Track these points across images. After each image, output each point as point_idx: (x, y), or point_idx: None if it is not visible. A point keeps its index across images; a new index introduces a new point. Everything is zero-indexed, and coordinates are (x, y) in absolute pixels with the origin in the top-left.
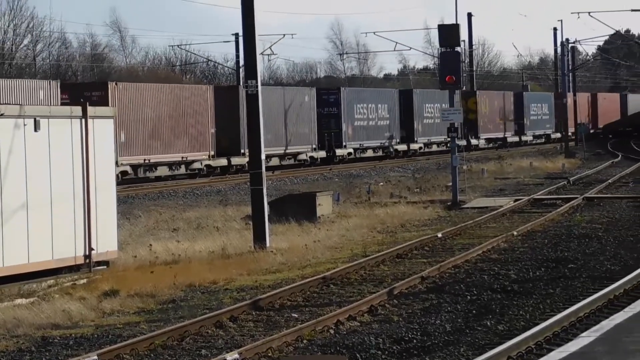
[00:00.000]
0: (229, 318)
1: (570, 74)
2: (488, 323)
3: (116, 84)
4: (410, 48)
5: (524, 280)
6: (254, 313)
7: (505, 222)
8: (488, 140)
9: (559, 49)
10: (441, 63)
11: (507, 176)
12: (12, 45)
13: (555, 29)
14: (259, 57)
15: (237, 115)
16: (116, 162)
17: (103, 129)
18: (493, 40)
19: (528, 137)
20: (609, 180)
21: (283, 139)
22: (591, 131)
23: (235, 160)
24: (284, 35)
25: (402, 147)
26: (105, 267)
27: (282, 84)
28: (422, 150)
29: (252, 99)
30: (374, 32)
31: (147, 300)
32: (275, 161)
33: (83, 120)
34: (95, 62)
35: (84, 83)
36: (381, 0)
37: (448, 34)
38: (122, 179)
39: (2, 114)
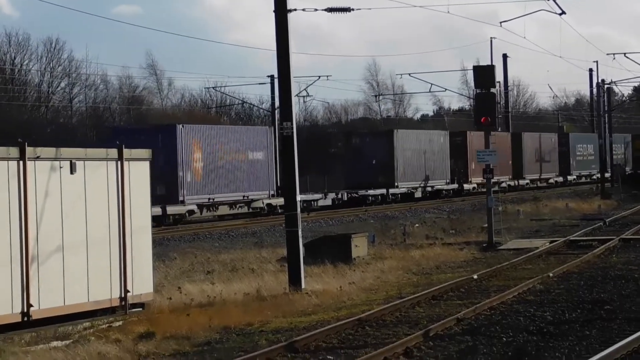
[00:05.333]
0: None
1: (606, 115)
2: None
3: None
4: (446, 89)
5: (560, 322)
6: (289, 355)
7: (541, 263)
8: None
9: (594, 90)
10: (476, 104)
11: (542, 217)
12: (49, 88)
13: (590, 70)
14: (294, 99)
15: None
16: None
17: (139, 171)
18: (528, 81)
19: None
20: None
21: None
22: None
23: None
24: (319, 77)
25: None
26: (140, 309)
27: (318, 126)
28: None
29: (288, 141)
30: (409, 74)
31: (183, 343)
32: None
33: (119, 162)
34: (132, 104)
35: (455, 132)
36: (415, 41)
37: (483, 75)
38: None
39: (38, 157)
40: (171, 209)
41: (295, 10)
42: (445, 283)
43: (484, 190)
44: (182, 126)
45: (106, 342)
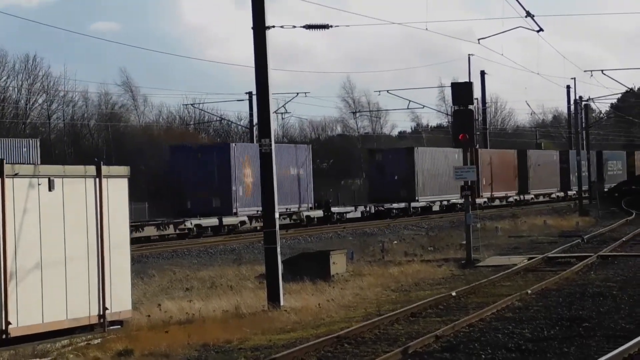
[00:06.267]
0: None
1: (584, 131)
2: None
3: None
4: (424, 106)
5: (539, 339)
6: None
7: (519, 280)
8: None
9: (572, 107)
10: (454, 121)
11: (521, 234)
12: (27, 104)
13: (568, 87)
14: (272, 116)
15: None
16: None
17: (118, 188)
18: (506, 98)
19: None
20: (623, 239)
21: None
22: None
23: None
24: (297, 93)
25: None
26: (119, 326)
27: (295, 142)
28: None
29: (266, 158)
30: (387, 91)
31: None
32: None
33: (97, 179)
34: (110, 121)
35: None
36: (393, 58)
37: (461, 92)
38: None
39: (16, 174)
40: (226, 220)
41: (273, 27)
42: (423, 300)
43: (493, 204)
44: (235, 144)
45: (84, 359)
